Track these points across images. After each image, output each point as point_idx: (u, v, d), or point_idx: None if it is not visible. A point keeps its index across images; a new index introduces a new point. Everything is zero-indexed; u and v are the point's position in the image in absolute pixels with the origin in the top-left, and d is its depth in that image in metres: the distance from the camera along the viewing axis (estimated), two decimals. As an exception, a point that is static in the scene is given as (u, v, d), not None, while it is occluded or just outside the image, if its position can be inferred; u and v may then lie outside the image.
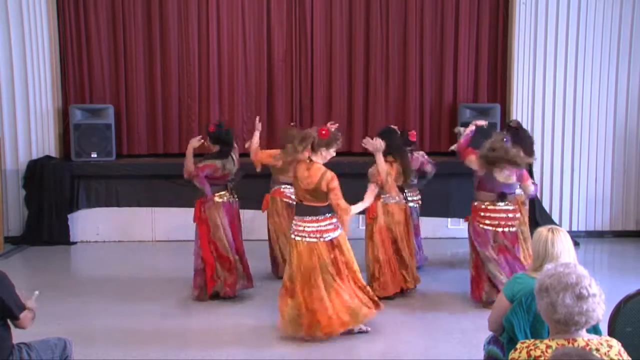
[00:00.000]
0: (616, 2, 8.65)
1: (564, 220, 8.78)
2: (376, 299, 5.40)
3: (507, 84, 8.97)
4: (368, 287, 5.43)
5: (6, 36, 8.52)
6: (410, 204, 6.66)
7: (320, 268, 5.13)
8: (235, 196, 6.27)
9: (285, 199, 6.66)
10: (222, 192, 6.16)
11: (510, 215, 5.82)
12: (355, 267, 5.30)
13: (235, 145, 6.36)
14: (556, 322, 2.46)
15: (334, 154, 5.26)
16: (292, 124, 7.13)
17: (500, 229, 5.81)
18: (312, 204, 5.13)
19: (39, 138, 8.69)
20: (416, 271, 6.41)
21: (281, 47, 8.98)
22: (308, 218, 5.15)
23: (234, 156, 6.23)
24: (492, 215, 5.82)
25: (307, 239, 5.14)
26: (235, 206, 6.28)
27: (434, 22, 8.97)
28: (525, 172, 5.79)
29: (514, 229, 5.87)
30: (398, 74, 9.02)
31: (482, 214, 5.84)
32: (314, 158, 5.13)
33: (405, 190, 6.45)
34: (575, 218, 8.87)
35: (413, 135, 6.80)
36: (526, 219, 6.64)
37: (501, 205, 5.79)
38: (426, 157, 7.07)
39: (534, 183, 6.17)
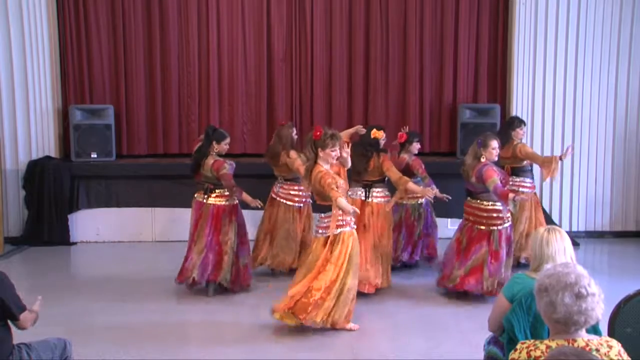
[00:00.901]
0: (616, 2, 8.65)
1: (563, 220, 8.78)
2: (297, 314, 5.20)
3: (507, 84, 8.97)
4: (310, 297, 5.18)
5: (6, 36, 8.51)
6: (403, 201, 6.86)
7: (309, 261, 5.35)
8: (213, 198, 6.27)
9: (271, 194, 6.99)
10: (200, 191, 6.39)
11: (481, 213, 6.08)
12: (318, 265, 5.19)
13: (210, 145, 6.30)
14: (556, 321, 2.46)
15: (337, 153, 5.26)
16: (282, 123, 7.25)
17: (469, 224, 6.18)
18: (321, 202, 5.33)
19: (39, 138, 8.68)
20: (373, 277, 6.21)
21: (281, 47, 8.98)
22: (319, 214, 5.44)
23: (207, 162, 6.25)
24: (466, 209, 6.25)
25: (316, 235, 5.43)
26: (212, 208, 6.26)
27: (434, 23, 8.97)
28: (486, 172, 5.83)
29: (482, 228, 6.06)
30: (398, 74, 9.02)
31: (464, 207, 6.29)
32: (318, 161, 5.27)
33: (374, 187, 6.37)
34: (575, 218, 8.88)
35: (401, 137, 6.85)
36: (523, 216, 7.06)
37: (474, 201, 6.12)
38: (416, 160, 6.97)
39: (508, 184, 6.18)
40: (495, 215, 6.03)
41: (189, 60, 8.91)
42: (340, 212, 5.08)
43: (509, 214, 6.13)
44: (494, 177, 5.78)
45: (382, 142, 6.40)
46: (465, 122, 8.65)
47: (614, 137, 8.81)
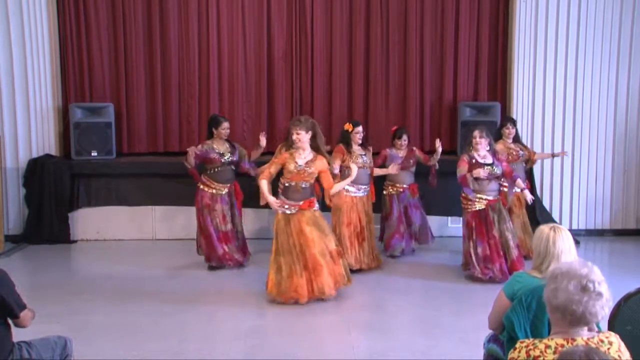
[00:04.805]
0: (616, 2, 8.64)
1: (564, 218, 8.78)
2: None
3: (507, 82, 8.95)
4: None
5: (6, 35, 8.50)
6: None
7: None
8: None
9: None
10: None
11: (461, 199, 6.84)
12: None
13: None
14: (554, 308, 2.43)
15: (296, 137, 5.92)
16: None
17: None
18: None
19: (39, 136, 8.67)
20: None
21: (281, 46, 8.97)
22: None
23: None
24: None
25: None
26: (199, 191, 7.17)
27: (434, 22, 8.96)
28: (459, 162, 6.69)
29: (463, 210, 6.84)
30: (398, 74, 9.01)
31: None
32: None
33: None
34: (575, 216, 8.87)
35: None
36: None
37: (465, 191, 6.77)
38: (395, 154, 7.54)
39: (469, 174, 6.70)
40: (464, 201, 6.76)
41: (189, 59, 8.91)
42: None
43: (476, 200, 6.68)
44: (461, 167, 6.65)
45: (357, 136, 7.02)
46: (465, 121, 8.64)
47: (614, 136, 8.81)
